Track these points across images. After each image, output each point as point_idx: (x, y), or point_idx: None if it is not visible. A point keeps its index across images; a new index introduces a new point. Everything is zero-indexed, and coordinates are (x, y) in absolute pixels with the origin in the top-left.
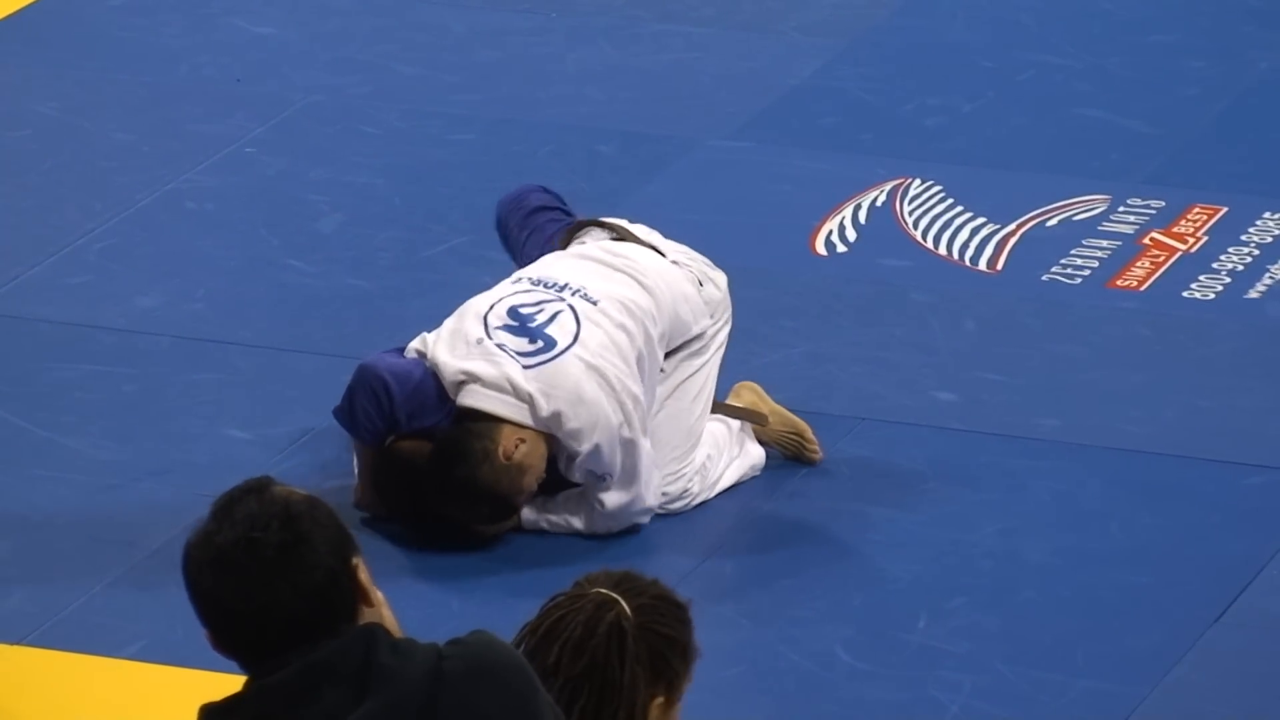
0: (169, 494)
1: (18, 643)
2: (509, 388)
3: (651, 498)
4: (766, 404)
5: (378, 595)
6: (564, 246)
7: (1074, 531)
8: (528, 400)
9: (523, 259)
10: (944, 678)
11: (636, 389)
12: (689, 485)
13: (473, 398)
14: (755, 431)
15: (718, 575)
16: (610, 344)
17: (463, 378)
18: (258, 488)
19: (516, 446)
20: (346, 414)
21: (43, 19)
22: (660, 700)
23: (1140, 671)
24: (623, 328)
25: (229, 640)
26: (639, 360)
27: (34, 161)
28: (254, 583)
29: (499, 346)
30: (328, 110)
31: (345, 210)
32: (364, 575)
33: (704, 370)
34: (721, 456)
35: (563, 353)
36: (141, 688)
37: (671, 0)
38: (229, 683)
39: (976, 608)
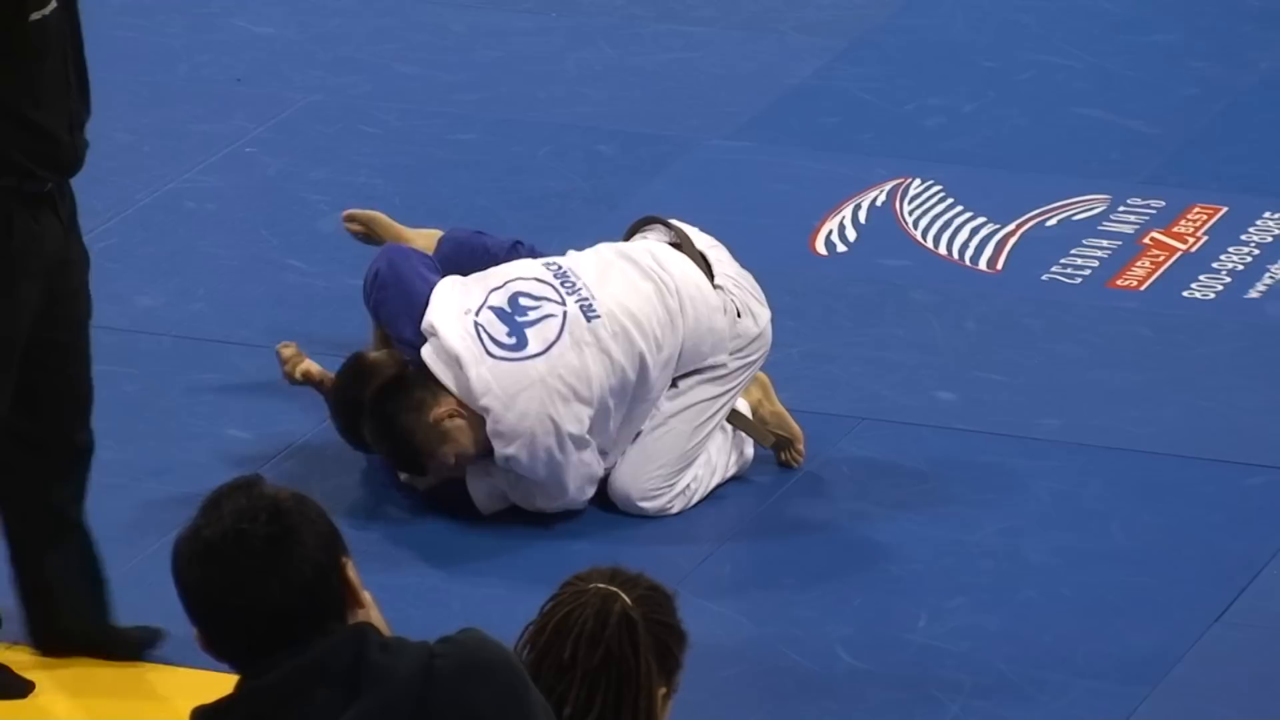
0: (169, 494)
1: (18, 643)
2: (458, 365)
3: (561, 502)
4: (771, 403)
5: (366, 596)
6: (627, 239)
7: (1074, 531)
8: (468, 384)
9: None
10: (944, 678)
11: (585, 412)
12: (669, 504)
13: (428, 353)
14: (751, 429)
15: (718, 575)
16: (581, 368)
17: (429, 328)
18: (246, 484)
19: (449, 417)
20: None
21: None
22: (664, 691)
23: (1140, 671)
24: (607, 353)
25: (219, 638)
26: (618, 387)
27: None
28: (242, 576)
29: (477, 325)
30: (328, 110)
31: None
32: (353, 575)
33: (720, 399)
34: (714, 475)
35: (526, 359)
36: (141, 688)
37: (671, 0)
38: (228, 683)
39: (976, 608)
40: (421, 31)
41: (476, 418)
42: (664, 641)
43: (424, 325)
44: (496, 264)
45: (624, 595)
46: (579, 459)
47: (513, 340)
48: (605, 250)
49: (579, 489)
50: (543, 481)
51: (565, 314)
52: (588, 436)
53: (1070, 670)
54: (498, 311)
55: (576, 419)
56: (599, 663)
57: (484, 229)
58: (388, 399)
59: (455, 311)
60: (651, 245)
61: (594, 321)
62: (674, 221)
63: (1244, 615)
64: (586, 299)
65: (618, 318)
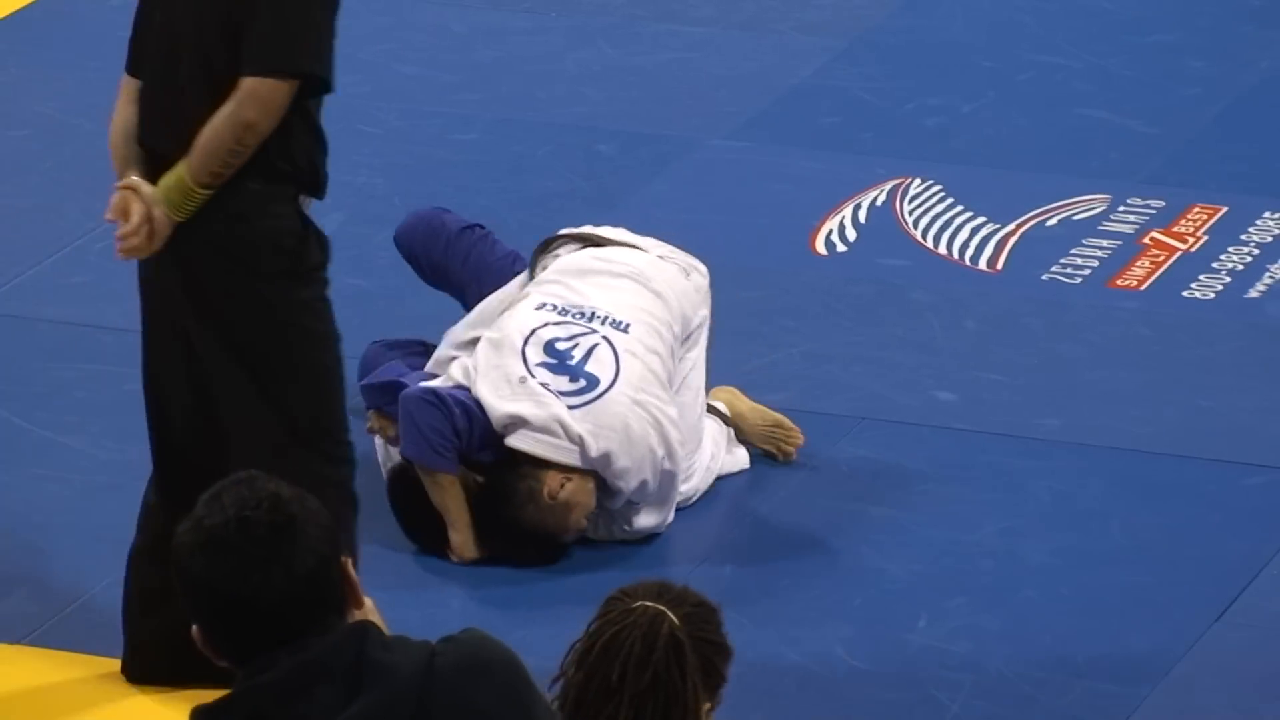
0: None
1: (18, 642)
2: (559, 430)
3: (658, 521)
4: (741, 402)
5: (368, 602)
6: (532, 273)
7: (1074, 531)
8: (578, 442)
9: (472, 288)
10: (944, 678)
11: (674, 413)
12: (699, 484)
13: (522, 441)
14: (736, 431)
15: (717, 576)
16: (648, 373)
17: (509, 421)
18: (246, 478)
19: (562, 486)
20: (418, 441)
21: (43, 19)
22: (708, 707)
23: (1140, 671)
24: (655, 352)
25: (220, 632)
26: (670, 379)
27: (34, 161)
28: (247, 563)
29: (543, 386)
30: (328, 110)
31: (345, 210)
32: (353, 573)
33: (699, 362)
34: (720, 454)
35: (607, 390)
36: (141, 688)
37: (671, 0)
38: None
39: (976, 608)
40: (421, 31)
41: (584, 471)
42: (710, 660)
43: (499, 423)
44: (448, 240)
45: (671, 614)
46: (680, 475)
47: (581, 383)
48: (554, 277)
49: (673, 506)
50: (656, 502)
51: (605, 337)
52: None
53: (1070, 670)
54: (548, 366)
55: (673, 421)
56: (646, 686)
57: (483, 228)
58: (495, 508)
59: (511, 390)
60: (589, 252)
61: (631, 331)
62: (570, 231)
63: (1244, 615)
64: (607, 315)
65: (641, 321)
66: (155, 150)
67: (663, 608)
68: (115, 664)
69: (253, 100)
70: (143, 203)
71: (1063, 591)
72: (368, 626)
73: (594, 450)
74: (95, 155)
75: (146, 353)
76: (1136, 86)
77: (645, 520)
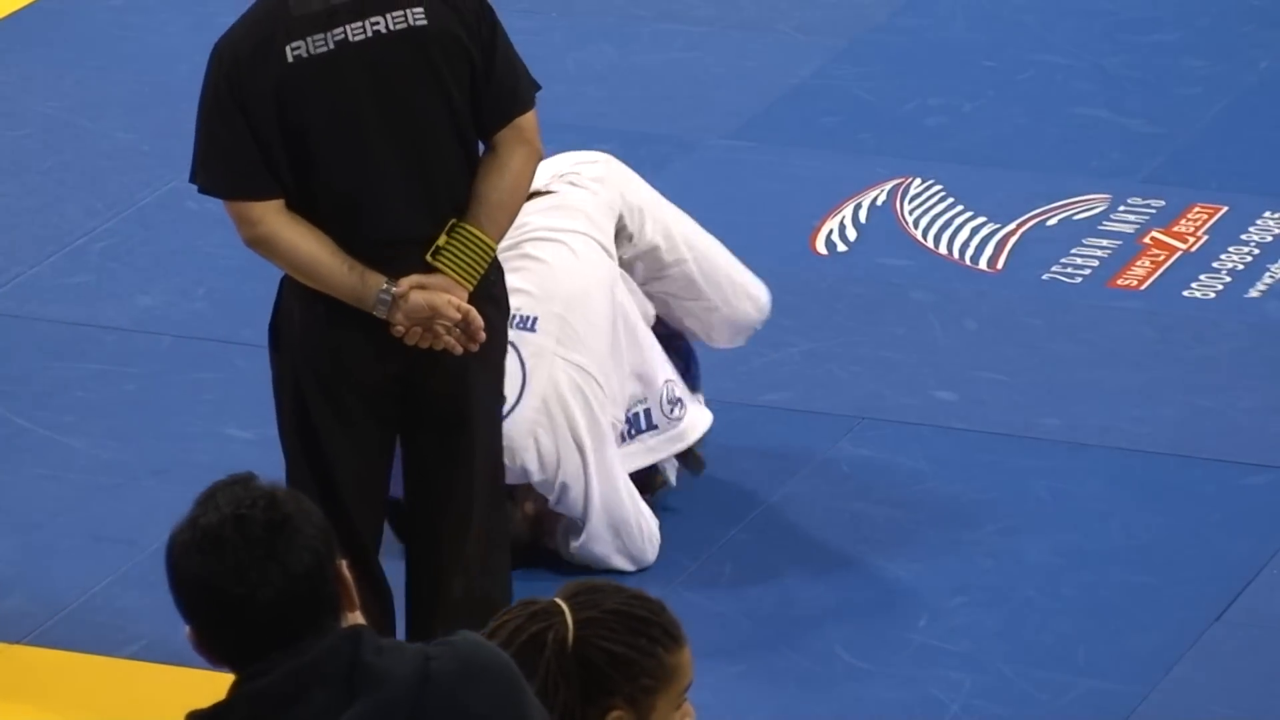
0: (169, 494)
1: (18, 642)
2: None
3: (625, 560)
4: None
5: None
6: None
7: (1074, 531)
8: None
9: None
10: (944, 677)
11: (610, 415)
12: (696, 414)
13: None
14: None
15: (718, 575)
16: (559, 374)
17: None
18: (241, 479)
19: (534, 502)
20: None
21: (43, 19)
22: (619, 713)
23: (1140, 671)
24: (576, 336)
25: (215, 633)
26: (612, 339)
27: (35, 161)
28: (243, 561)
29: None
30: None
31: None
32: (347, 575)
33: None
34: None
35: (512, 410)
36: (141, 688)
37: (671, 0)
38: (227, 683)
39: (976, 608)
40: None
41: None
42: (599, 668)
43: None
44: None
45: (568, 615)
46: (619, 487)
47: None
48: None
49: (622, 535)
50: (589, 527)
51: (511, 343)
52: (611, 427)
53: (1070, 670)
54: None
55: (611, 421)
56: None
57: None
58: None
59: None
60: (533, 266)
61: (539, 326)
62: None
63: (1244, 615)
64: (515, 312)
65: (552, 314)
66: (401, 240)
67: (564, 606)
68: (115, 664)
69: (536, 133)
70: (441, 293)
71: (1063, 591)
72: (362, 631)
73: (511, 468)
74: (96, 155)
75: (341, 436)
76: (1136, 86)
77: (597, 548)
